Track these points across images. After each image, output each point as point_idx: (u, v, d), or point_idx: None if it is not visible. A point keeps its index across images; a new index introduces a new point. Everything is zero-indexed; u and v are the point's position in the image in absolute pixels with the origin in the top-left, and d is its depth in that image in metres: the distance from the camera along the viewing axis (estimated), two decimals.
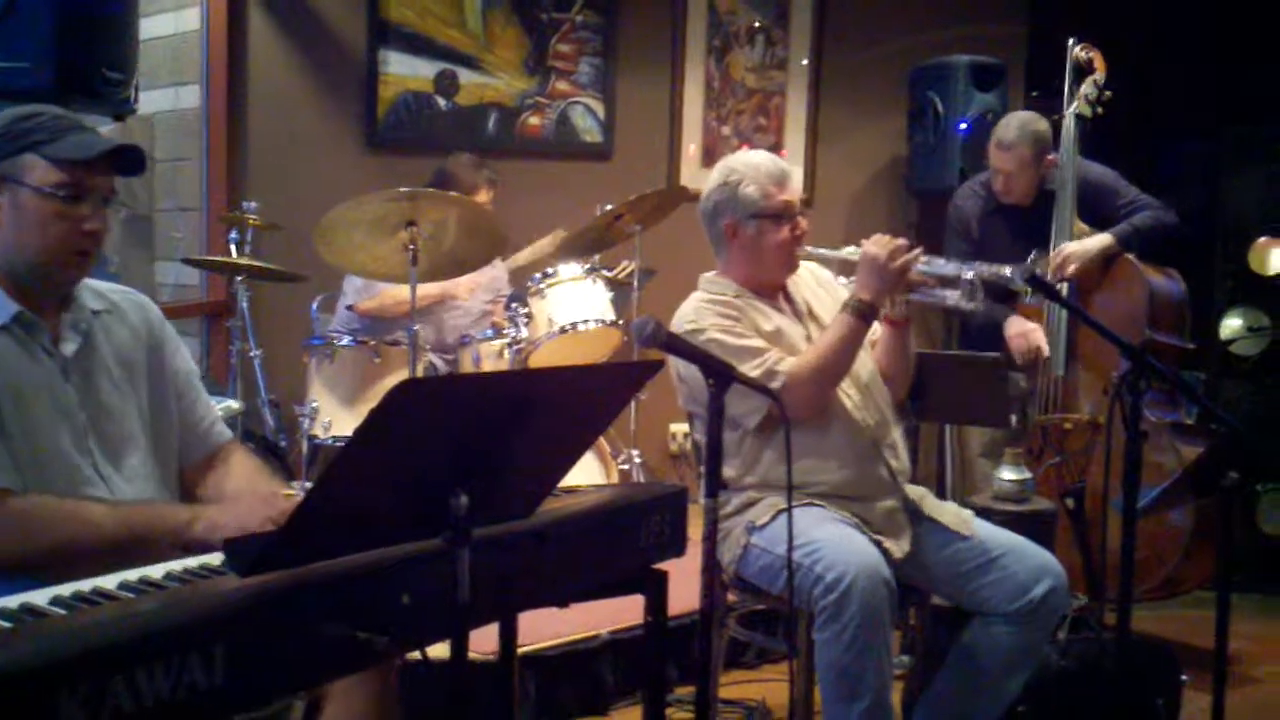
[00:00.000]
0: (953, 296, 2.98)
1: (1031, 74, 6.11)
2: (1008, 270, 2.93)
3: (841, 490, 2.96)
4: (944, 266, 3.00)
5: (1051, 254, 4.31)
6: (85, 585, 1.74)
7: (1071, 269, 4.27)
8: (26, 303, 2.17)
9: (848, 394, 3.02)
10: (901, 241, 2.94)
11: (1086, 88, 4.42)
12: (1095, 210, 4.42)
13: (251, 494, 2.28)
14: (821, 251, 3.16)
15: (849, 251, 3.07)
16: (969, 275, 2.94)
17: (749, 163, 3.07)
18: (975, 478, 4.60)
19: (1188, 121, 5.80)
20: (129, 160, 2.21)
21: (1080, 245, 4.30)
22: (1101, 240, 4.32)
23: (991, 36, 6.08)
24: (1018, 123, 4.45)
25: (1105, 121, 4.45)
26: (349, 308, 4.78)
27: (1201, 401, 3.71)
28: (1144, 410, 2.57)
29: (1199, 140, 5.78)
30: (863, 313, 2.92)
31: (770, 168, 3.04)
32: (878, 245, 2.94)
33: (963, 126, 5.44)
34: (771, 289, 3.13)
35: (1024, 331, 4.34)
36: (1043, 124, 4.44)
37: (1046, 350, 4.33)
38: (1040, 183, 4.46)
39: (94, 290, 2.33)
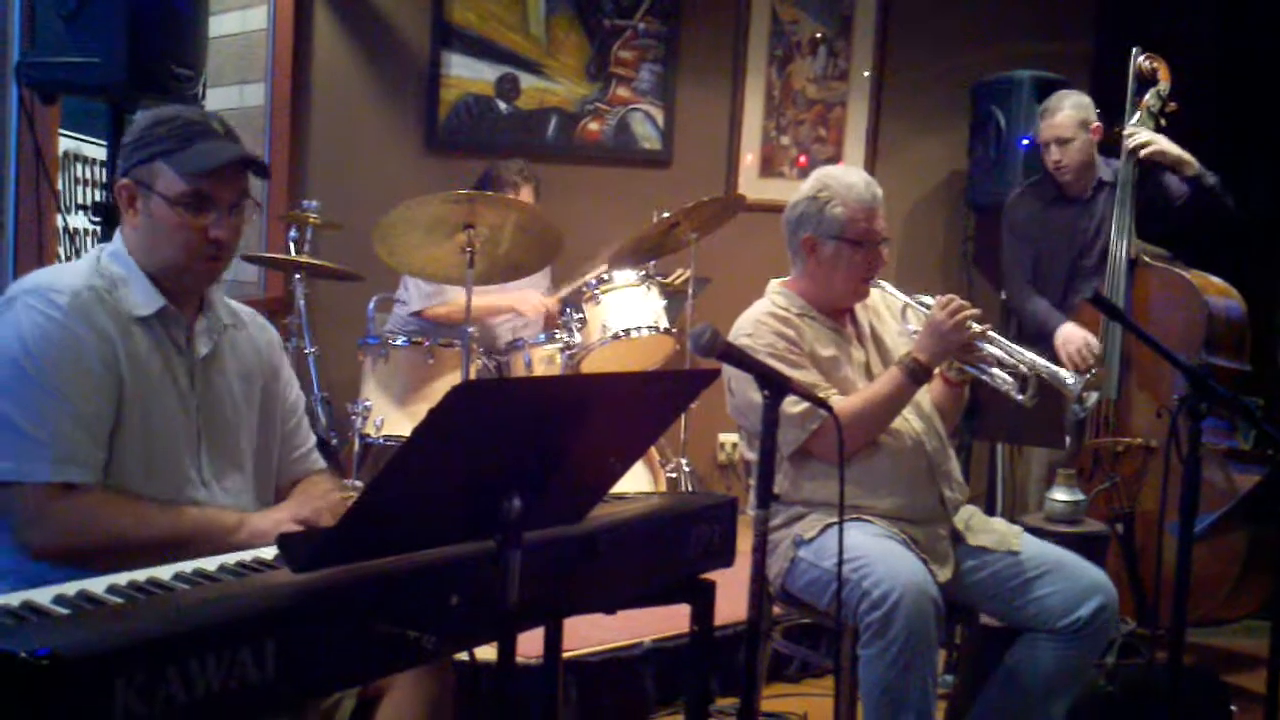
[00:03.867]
0: (1006, 382, 2.93)
1: (1096, 91, 6.05)
2: (1070, 379, 2.87)
3: (890, 515, 2.95)
4: (1006, 351, 2.94)
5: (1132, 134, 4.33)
6: (141, 575, 1.76)
7: (1149, 149, 4.28)
8: (169, 299, 2.22)
9: (908, 419, 3.00)
10: (973, 312, 2.91)
11: (1150, 98, 4.36)
12: (1161, 194, 4.38)
13: (293, 499, 2.34)
14: (893, 290, 3.13)
15: (918, 299, 3.05)
16: (1026, 369, 2.90)
17: (843, 182, 3.03)
18: (1029, 500, 4.56)
19: (1256, 139, 5.71)
20: (256, 167, 2.25)
21: (1166, 143, 4.30)
22: (1185, 155, 4.30)
23: (1056, 52, 6.01)
24: (1058, 93, 4.53)
25: (1171, 136, 4.39)
26: (416, 314, 4.80)
27: (1262, 427, 3.65)
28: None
29: (1267, 157, 5.70)
30: (916, 374, 2.91)
31: (863, 193, 3.01)
32: (945, 313, 2.90)
33: (1025, 142, 5.39)
34: (837, 310, 3.12)
35: (1070, 337, 4.28)
36: (1083, 96, 4.49)
37: (1095, 344, 4.26)
38: (1093, 161, 4.45)
39: (228, 306, 2.39)
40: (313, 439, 2.55)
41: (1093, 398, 2.88)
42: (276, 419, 2.44)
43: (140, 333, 2.17)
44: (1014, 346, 2.95)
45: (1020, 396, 2.90)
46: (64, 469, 2.03)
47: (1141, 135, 4.31)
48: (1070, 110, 4.41)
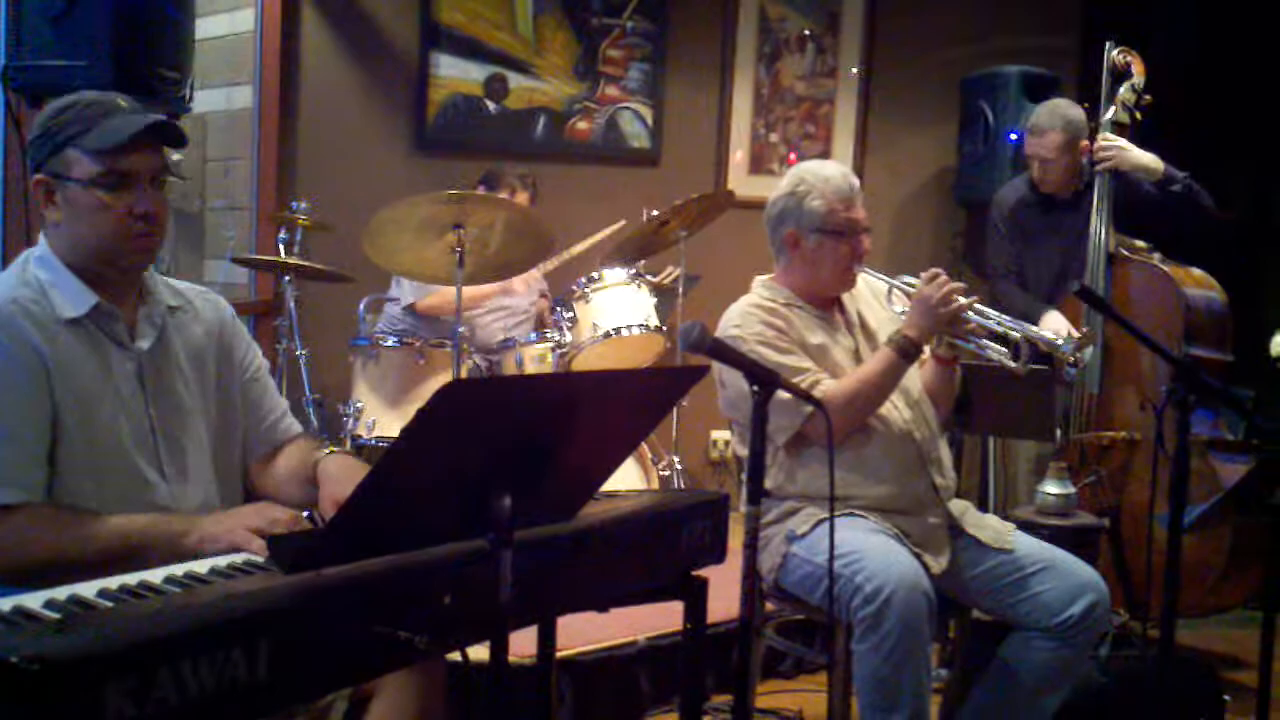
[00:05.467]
0: (999, 352, 2.95)
1: (1085, 84, 6.07)
2: (1060, 341, 2.91)
3: (883, 505, 2.96)
4: (996, 321, 2.96)
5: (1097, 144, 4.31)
6: (132, 579, 1.76)
7: (1110, 162, 4.26)
8: (104, 294, 2.17)
9: (897, 407, 3.02)
10: (959, 285, 2.93)
11: (1124, 92, 4.36)
12: (1136, 197, 4.37)
13: (248, 506, 2.25)
14: (877, 275, 3.15)
15: (903, 281, 3.07)
16: (1017, 336, 2.92)
17: (820, 175, 3.06)
18: (1019, 493, 4.56)
19: (1239, 133, 5.74)
20: (168, 134, 2.18)
21: (1129, 149, 4.28)
22: (1154, 160, 4.28)
23: (1043, 47, 6.04)
24: (1049, 109, 4.48)
25: (1152, 132, 4.39)
26: (409, 307, 4.81)
27: (1252, 418, 3.66)
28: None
29: (1250, 152, 5.72)
30: (906, 350, 2.92)
31: (840, 183, 3.04)
32: (932, 286, 2.93)
33: (1013, 137, 5.40)
34: (824, 300, 3.13)
35: (1056, 328, 4.22)
36: (1075, 110, 4.44)
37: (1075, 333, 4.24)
38: (1079, 172, 4.44)
39: (171, 287, 2.34)
40: (284, 405, 2.49)
41: (1088, 353, 2.89)
42: (235, 396, 2.38)
43: (72, 337, 2.12)
44: (1002, 316, 2.98)
45: (1014, 364, 2.91)
46: None
47: (1102, 148, 4.30)
48: (1059, 134, 4.37)
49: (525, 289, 4.99)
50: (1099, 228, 4.29)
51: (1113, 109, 4.35)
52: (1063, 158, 4.39)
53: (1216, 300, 4.25)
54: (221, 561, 1.88)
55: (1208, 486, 3.74)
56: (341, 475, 2.25)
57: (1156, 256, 4.35)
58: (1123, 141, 4.29)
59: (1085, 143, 4.39)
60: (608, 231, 5.01)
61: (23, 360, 2.05)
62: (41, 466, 2.06)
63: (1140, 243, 4.41)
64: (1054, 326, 4.22)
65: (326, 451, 2.35)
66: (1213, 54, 5.79)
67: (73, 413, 2.09)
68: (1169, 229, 4.43)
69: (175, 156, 2.28)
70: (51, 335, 2.10)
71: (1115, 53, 4.38)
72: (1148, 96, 4.37)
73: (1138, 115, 4.37)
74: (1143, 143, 4.37)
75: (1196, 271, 4.30)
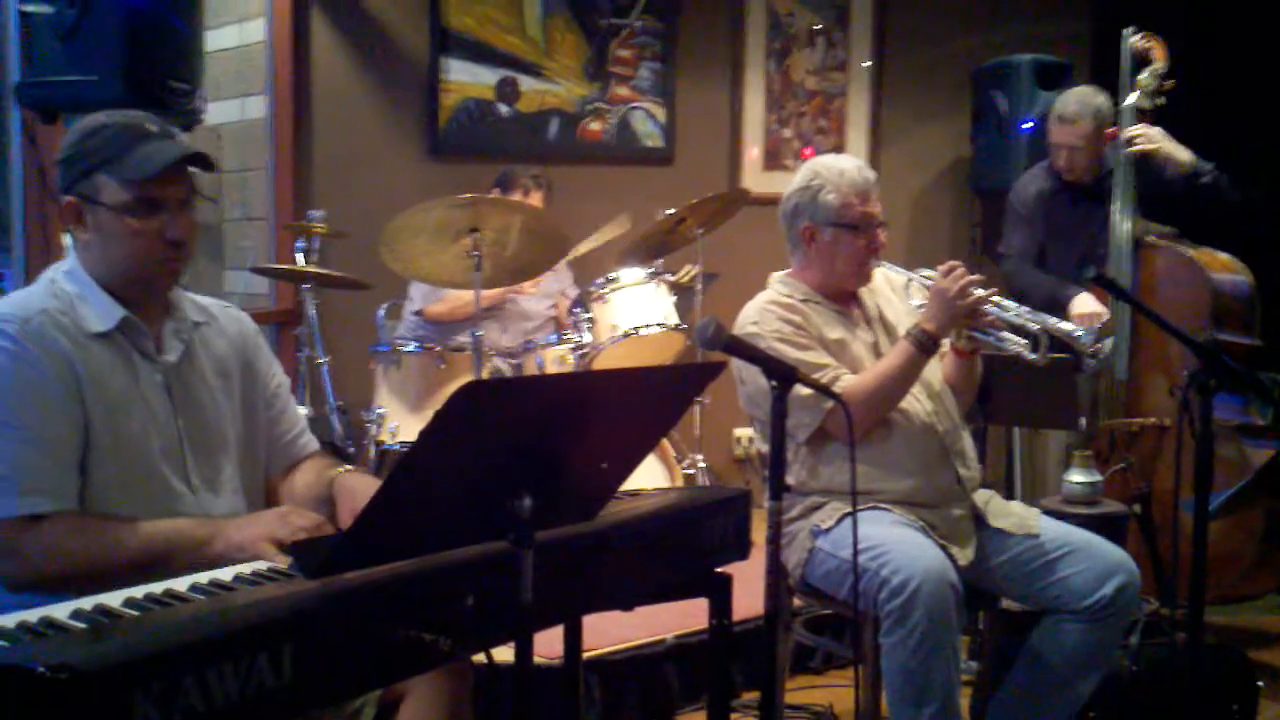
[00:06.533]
0: (1017, 344, 2.94)
1: (1097, 72, 6.04)
2: (1079, 331, 2.90)
3: (907, 498, 2.95)
4: (1014, 313, 2.95)
5: (1131, 129, 4.29)
6: (157, 587, 1.77)
7: (1143, 146, 4.25)
8: (131, 309, 2.18)
9: (919, 400, 3.00)
10: (976, 278, 2.92)
11: (1146, 78, 4.33)
12: (1159, 183, 4.35)
13: (270, 511, 2.25)
14: (895, 269, 3.15)
15: (921, 275, 3.06)
16: (1036, 327, 2.91)
17: (834, 169, 3.05)
18: (1048, 484, 4.54)
19: (1259, 115, 5.70)
20: (198, 162, 2.20)
21: (1165, 139, 4.26)
22: (1185, 152, 4.27)
23: (1055, 35, 6.01)
24: (1077, 97, 4.44)
25: (1170, 116, 4.36)
26: (417, 313, 4.83)
27: (1276, 403, 3.63)
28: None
29: (1269, 134, 5.68)
30: (924, 344, 2.91)
31: (855, 177, 3.03)
32: (950, 280, 2.91)
33: (1027, 126, 5.38)
34: (842, 295, 3.12)
35: (1090, 313, 4.17)
36: (1102, 97, 4.42)
37: (1108, 315, 4.19)
38: (1102, 159, 4.42)
39: (195, 303, 2.36)
40: (302, 421, 2.51)
41: (1108, 344, 2.88)
42: (258, 409, 2.40)
43: (101, 349, 2.14)
44: (1020, 308, 2.97)
45: (1033, 356, 2.90)
46: (30, 501, 2.01)
47: (1135, 129, 4.29)
48: (1089, 122, 4.34)
49: (535, 288, 4.96)
50: (1121, 214, 4.27)
51: (1134, 95, 4.32)
52: (1091, 146, 4.38)
53: (1244, 284, 4.23)
54: (246, 569, 1.89)
55: (1238, 472, 3.72)
56: (358, 490, 2.26)
57: (1183, 242, 4.33)
58: (1158, 131, 4.27)
59: (1112, 129, 4.37)
60: (610, 230, 5.01)
61: (54, 370, 2.07)
62: (74, 475, 2.07)
63: (1167, 227, 4.39)
64: (1086, 307, 4.20)
65: (342, 469, 2.37)
66: (1228, 35, 5.75)
67: (103, 423, 2.10)
68: (1191, 215, 4.41)
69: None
70: (81, 346, 2.11)
71: (1136, 38, 4.35)
72: (1169, 82, 4.34)
73: (1160, 100, 4.34)
74: (1163, 127, 4.34)
75: (1223, 255, 4.27)
